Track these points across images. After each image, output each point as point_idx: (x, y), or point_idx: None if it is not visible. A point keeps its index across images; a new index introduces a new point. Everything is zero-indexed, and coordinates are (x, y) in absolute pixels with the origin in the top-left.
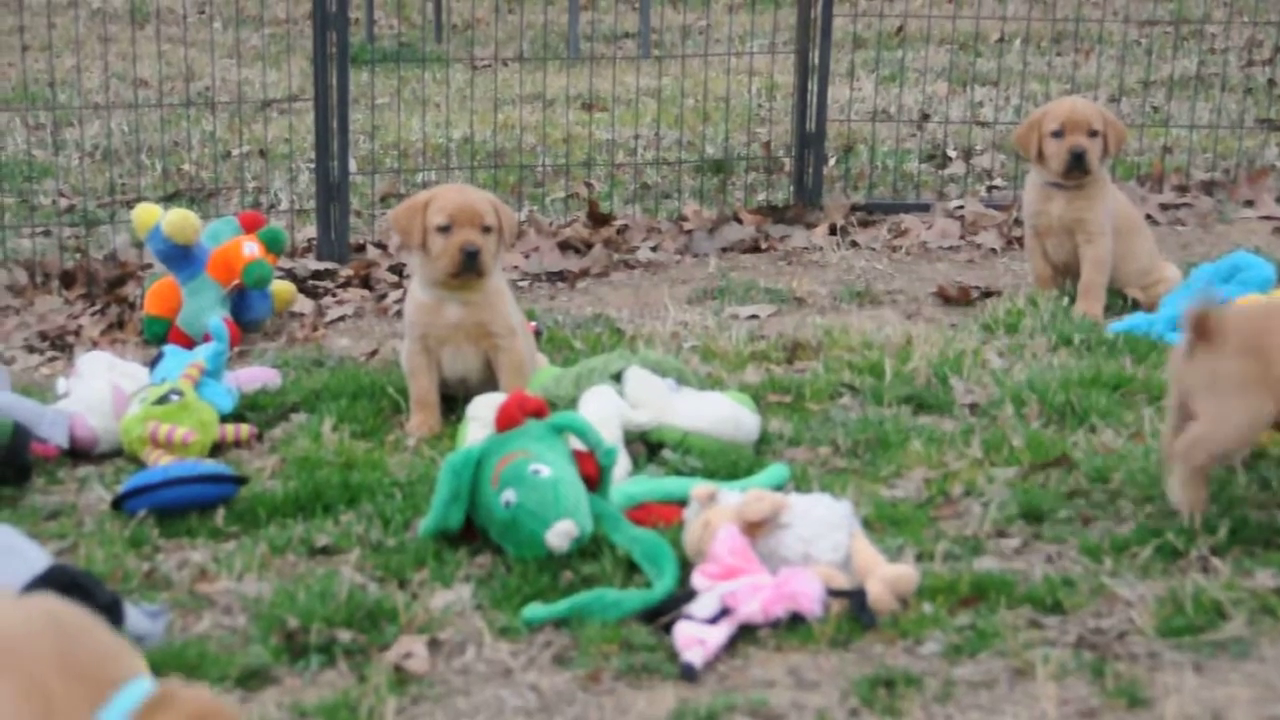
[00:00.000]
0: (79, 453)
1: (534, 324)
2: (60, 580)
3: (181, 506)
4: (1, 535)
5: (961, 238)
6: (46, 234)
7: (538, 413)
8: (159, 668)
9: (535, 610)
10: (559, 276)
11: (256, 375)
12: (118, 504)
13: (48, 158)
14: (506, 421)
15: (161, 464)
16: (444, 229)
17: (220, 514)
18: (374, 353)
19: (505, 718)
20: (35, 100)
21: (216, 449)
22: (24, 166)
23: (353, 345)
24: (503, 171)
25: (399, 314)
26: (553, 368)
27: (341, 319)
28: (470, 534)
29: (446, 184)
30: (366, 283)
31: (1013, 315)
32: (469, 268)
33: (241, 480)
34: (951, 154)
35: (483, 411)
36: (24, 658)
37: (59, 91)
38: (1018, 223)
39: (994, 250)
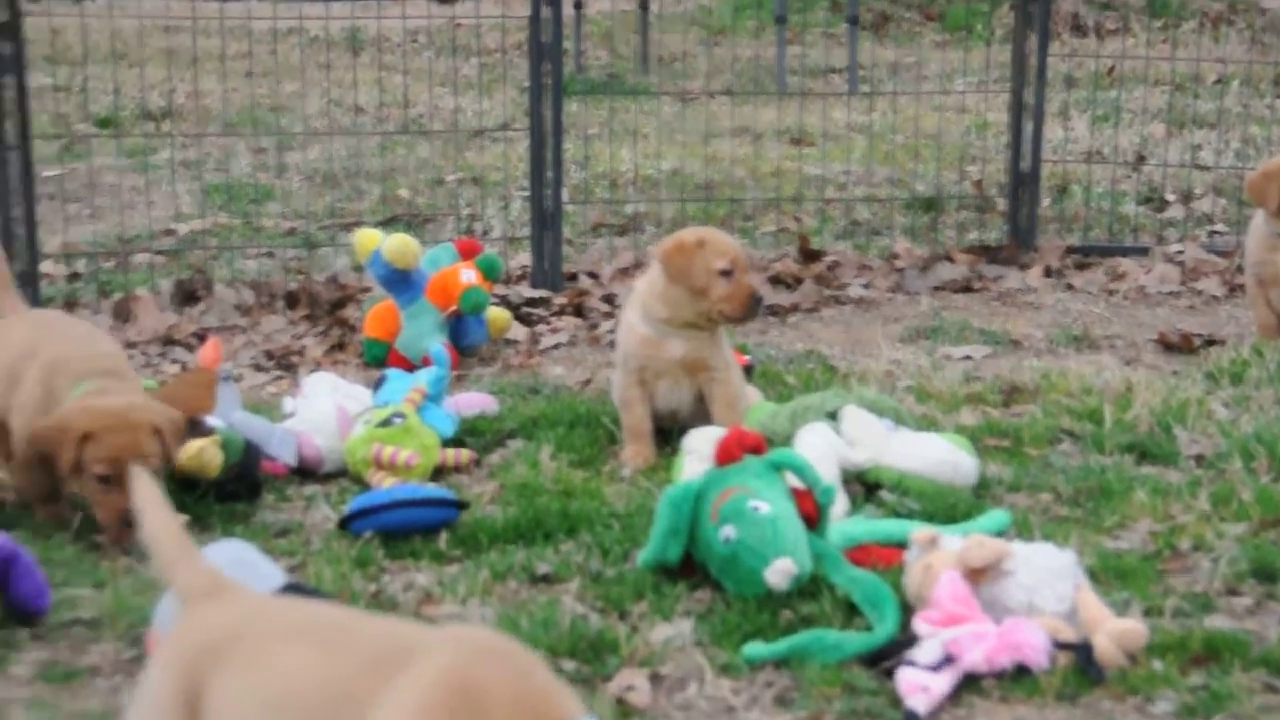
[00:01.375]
0: (306, 471)
1: (746, 358)
2: (296, 595)
3: (405, 529)
4: (238, 551)
5: (1182, 283)
6: (270, 255)
7: (756, 449)
8: None
9: (755, 649)
10: (770, 311)
11: (475, 401)
12: (344, 524)
13: (271, 181)
14: (725, 456)
15: (385, 486)
16: (726, 273)
17: (443, 538)
18: (588, 381)
19: None
20: (259, 125)
21: (437, 473)
22: (249, 189)
23: (567, 374)
24: (713, 205)
25: (612, 343)
26: (768, 403)
27: (555, 347)
28: (689, 568)
29: (696, 226)
30: (579, 311)
31: (1238, 365)
32: (755, 313)
33: (463, 505)
34: (1169, 197)
35: (699, 445)
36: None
37: (281, 117)
38: (1240, 270)
39: (1216, 297)
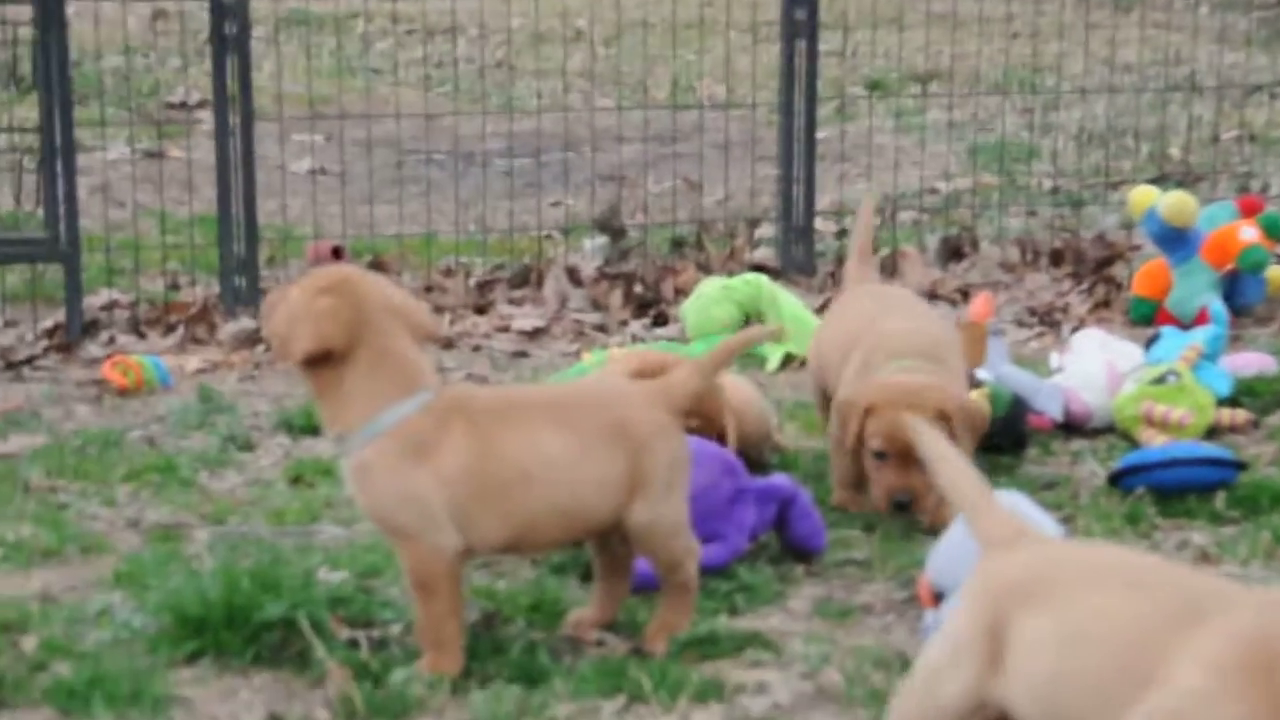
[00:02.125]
0: (1072, 427)
1: None
2: None
3: (1178, 488)
4: (1013, 501)
5: None
6: (1033, 214)
7: None
8: None
9: None
10: None
11: (1251, 361)
12: (1114, 480)
13: (1035, 140)
14: None
15: (1156, 444)
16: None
17: (1220, 498)
18: None
19: None
20: (1022, 84)
21: (1211, 433)
22: (1013, 148)
23: None
24: None
25: None
26: None
27: None
28: None
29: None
30: None
31: None
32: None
33: (1242, 466)
34: None
35: None
36: None
37: (1045, 76)
38: None
39: None
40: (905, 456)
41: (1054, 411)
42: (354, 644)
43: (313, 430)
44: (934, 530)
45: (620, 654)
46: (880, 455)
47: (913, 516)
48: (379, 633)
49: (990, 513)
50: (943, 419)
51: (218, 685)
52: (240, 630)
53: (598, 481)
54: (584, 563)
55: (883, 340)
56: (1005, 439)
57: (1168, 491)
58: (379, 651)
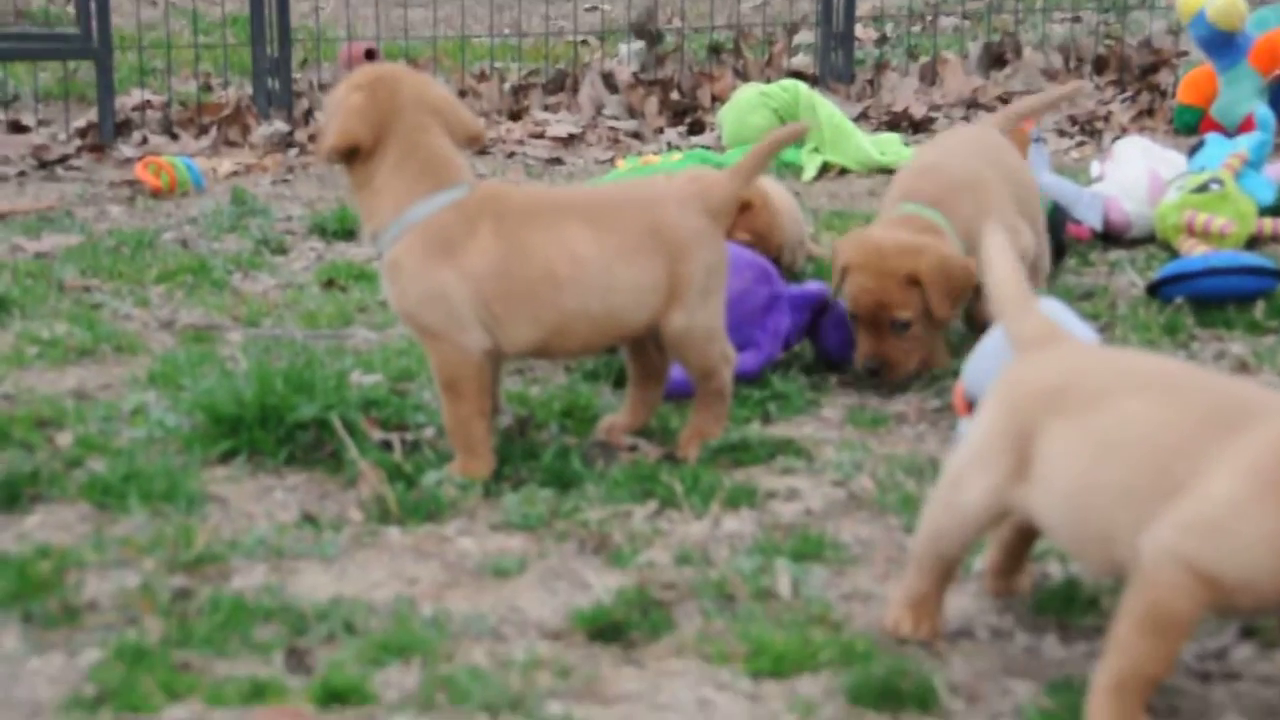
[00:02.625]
0: (1111, 236)
1: None
2: None
3: (1218, 297)
4: (1053, 308)
5: None
6: (1077, 20)
7: None
8: None
9: None
10: None
11: None
12: (1153, 290)
13: None
14: None
15: (1197, 253)
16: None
17: (1260, 308)
18: None
19: None
20: None
21: (1253, 241)
22: None
23: None
24: None
25: None
26: None
27: None
28: None
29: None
30: None
31: None
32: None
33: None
34: None
35: None
36: None
37: None
38: None
39: None
40: (874, 322)
41: (1094, 221)
42: (387, 446)
43: (346, 234)
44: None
45: (652, 459)
46: (853, 316)
47: (886, 381)
48: (412, 435)
49: (1026, 315)
50: (913, 283)
51: (251, 484)
52: (274, 430)
53: (632, 286)
54: (617, 369)
55: (901, 179)
56: None
57: (1206, 301)
58: (411, 454)
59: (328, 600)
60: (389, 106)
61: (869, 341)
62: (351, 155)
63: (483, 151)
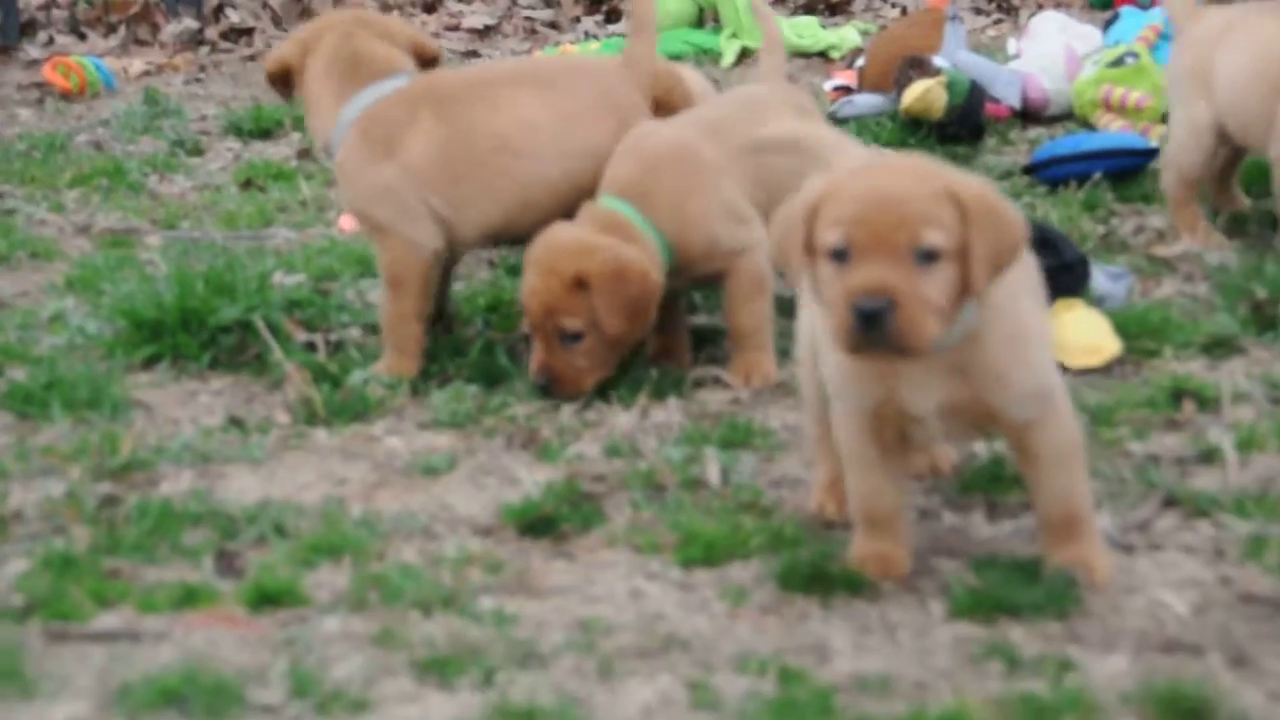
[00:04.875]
0: (1029, 114)
1: None
2: (1031, 235)
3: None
4: None
5: None
6: None
7: None
8: (1120, 328)
9: None
10: None
11: None
12: (1028, 172)
13: None
14: None
15: (1114, 128)
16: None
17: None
18: None
19: None
20: None
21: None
22: None
23: None
24: None
25: None
26: None
27: None
28: None
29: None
30: None
31: None
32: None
33: (1153, 152)
34: None
35: None
36: None
37: None
38: None
39: None
40: (544, 330)
41: (1012, 99)
42: (311, 347)
43: (263, 133)
44: None
45: None
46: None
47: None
48: (336, 335)
49: None
50: (581, 287)
51: (176, 389)
52: (196, 334)
53: (588, 150)
54: None
55: (612, 161)
56: (963, 127)
57: (1084, 182)
58: (336, 354)
59: (256, 503)
60: (316, 27)
61: (539, 351)
62: (287, 80)
63: None
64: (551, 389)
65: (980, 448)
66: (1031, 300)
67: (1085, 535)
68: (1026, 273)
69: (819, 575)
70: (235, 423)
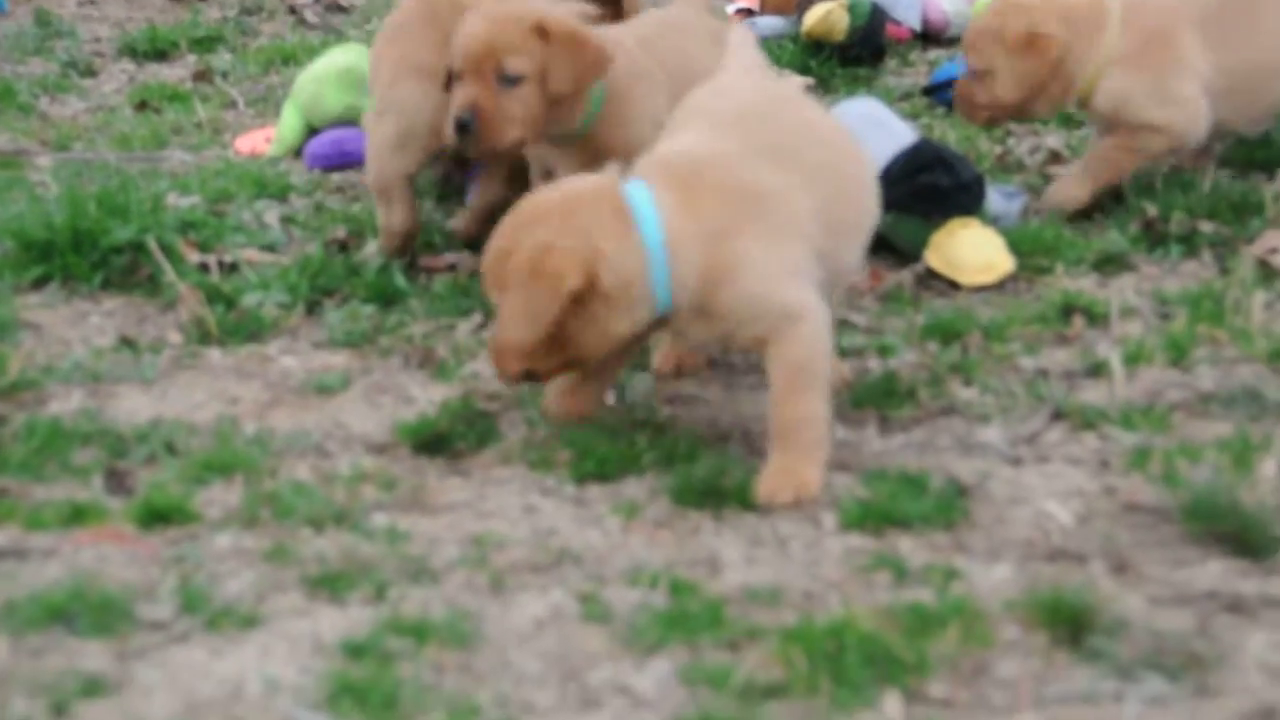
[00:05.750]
0: (930, 36)
1: None
2: (928, 155)
3: None
4: (872, 109)
5: None
6: None
7: None
8: (1014, 246)
9: None
10: None
11: None
12: (927, 93)
13: None
14: None
15: None
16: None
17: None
18: None
19: None
20: None
21: None
22: None
23: None
24: None
25: None
26: None
27: None
28: None
29: None
30: None
31: None
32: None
33: None
34: None
35: None
36: None
37: None
38: None
39: None
40: (480, 71)
41: (912, 21)
42: (204, 268)
43: (158, 55)
44: None
45: (474, 274)
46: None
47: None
48: (230, 256)
49: None
50: (540, 35)
51: (66, 310)
52: (88, 255)
53: None
54: (437, 187)
55: None
56: (864, 49)
57: None
58: (230, 275)
59: (147, 422)
60: None
61: (467, 90)
62: None
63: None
64: (470, 128)
65: (873, 362)
66: (759, 234)
67: (804, 451)
68: (759, 208)
69: (711, 490)
70: (127, 343)
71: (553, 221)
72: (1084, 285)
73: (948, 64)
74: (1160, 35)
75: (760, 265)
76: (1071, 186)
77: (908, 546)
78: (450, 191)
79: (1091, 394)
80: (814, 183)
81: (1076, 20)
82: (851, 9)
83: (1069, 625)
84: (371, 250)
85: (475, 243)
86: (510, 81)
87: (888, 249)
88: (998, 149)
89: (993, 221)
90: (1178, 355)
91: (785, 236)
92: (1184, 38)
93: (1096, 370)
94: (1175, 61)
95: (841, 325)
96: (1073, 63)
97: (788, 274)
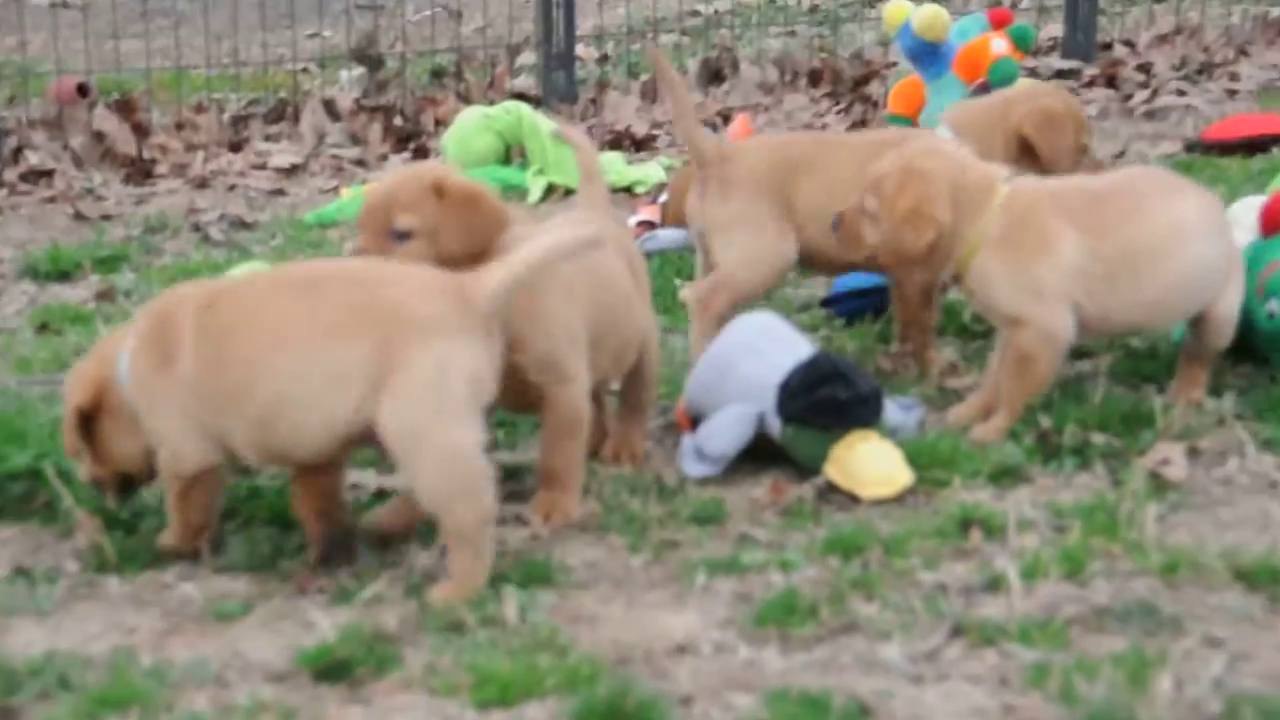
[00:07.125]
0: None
1: None
2: (825, 368)
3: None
4: (768, 322)
5: None
6: (792, 34)
7: None
8: (912, 459)
9: None
10: None
11: None
12: (826, 305)
13: None
14: (1273, 225)
15: None
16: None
17: (968, 315)
18: (1120, 154)
19: (1272, 532)
20: None
21: None
22: None
23: (1098, 147)
24: None
25: (1148, 115)
26: None
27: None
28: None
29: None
30: (1112, 82)
31: None
32: None
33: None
34: None
35: (1241, 215)
36: None
37: None
38: None
39: None
40: (374, 224)
41: None
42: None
43: (60, 276)
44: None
45: (372, 490)
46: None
47: None
48: None
49: None
50: (437, 193)
51: None
52: None
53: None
54: None
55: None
56: None
57: (880, 314)
58: (129, 500)
59: (41, 655)
60: None
61: (359, 245)
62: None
63: (203, 185)
64: None
65: (776, 578)
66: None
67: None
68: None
69: (614, 711)
70: (21, 572)
71: None
72: (981, 498)
73: (845, 276)
74: (1032, 219)
75: None
76: (990, 426)
77: None
78: None
79: (990, 608)
80: None
81: (963, 199)
82: None
83: None
84: None
85: None
86: (401, 237)
87: (788, 462)
88: (888, 363)
89: (891, 434)
90: (1073, 568)
91: None
92: (1055, 223)
93: (994, 584)
94: (1043, 249)
95: (742, 540)
96: (952, 239)
97: None
